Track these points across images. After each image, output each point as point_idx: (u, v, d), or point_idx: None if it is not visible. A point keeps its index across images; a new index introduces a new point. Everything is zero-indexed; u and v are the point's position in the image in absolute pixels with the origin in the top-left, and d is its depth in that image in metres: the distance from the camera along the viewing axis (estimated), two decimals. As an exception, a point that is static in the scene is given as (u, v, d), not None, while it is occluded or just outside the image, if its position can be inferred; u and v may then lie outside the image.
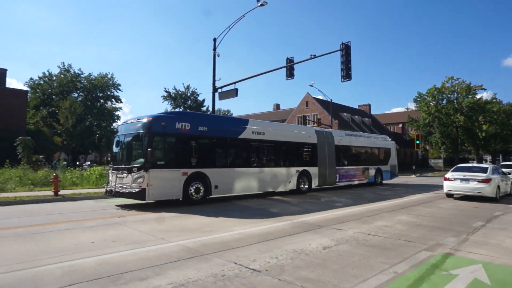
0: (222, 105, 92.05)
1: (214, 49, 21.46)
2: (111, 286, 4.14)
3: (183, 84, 75.60)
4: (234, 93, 20.88)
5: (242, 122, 14.30)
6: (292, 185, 15.36)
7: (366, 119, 59.96)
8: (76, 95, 51.59)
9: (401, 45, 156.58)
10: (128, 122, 11.95)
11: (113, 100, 55.53)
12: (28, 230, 7.43)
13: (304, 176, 15.95)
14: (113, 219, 8.91)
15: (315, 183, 16.50)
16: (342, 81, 18.90)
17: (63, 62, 61.52)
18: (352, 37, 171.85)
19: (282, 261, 5.23)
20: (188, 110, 18.46)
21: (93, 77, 52.83)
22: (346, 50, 18.89)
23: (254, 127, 14.22)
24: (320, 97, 53.91)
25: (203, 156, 11.93)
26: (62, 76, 51.30)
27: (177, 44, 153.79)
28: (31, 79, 50.84)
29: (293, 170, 15.50)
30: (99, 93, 53.31)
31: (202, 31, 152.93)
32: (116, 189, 10.93)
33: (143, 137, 10.67)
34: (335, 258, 5.44)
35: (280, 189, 15.05)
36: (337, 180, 17.89)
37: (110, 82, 54.15)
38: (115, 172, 11.34)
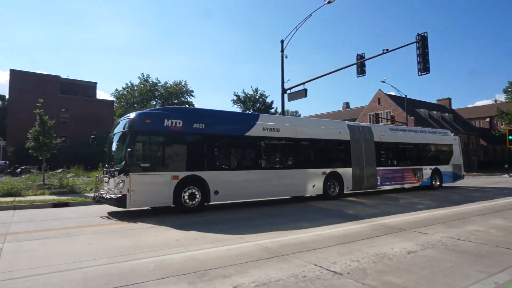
0: (291, 106, 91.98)
1: (282, 50, 21.58)
2: (198, 282, 4.37)
3: (251, 87, 77.26)
4: (303, 93, 20.78)
5: (250, 117, 12.96)
6: (316, 189, 13.22)
7: (446, 114, 55.39)
8: (154, 102, 55.68)
9: (485, 29, 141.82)
10: (120, 120, 11.06)
11: (186, 106, 58.81)
12: (122, 227, 8.21)
13: (333, 179, 13.72)
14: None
15: (348, 187, 14.18)
16: (419, 75, 17.77)
17: (143, 73, 66.83)
18: (428, 26, 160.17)
19: (364, 264, 5.06)
20: (185, 106, 15.87)
21: (169, 85, 56.58)
22: (422, 42, 17.71)
23: (266, 123, 12.35)
24: (393, 93, 51.19)
25: (200, 157, 10.63)
26: (142, 85, 55.81)
27: (244, 48, 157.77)
28: (116, 90, 56.16)
29: (318, 172, 13.33)
30: (174, 100, 56.86)
31: (267, 34, 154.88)
32: (101, 195, 10.12)
33: (125, 137, 9.71)
34: (422, 264, 5.10)
35: (300, 194, 13.09)
36: (379, 183, 15.39)
37: (184, 89, 57.45)
38: (103, 175, 10.67)
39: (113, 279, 4.46)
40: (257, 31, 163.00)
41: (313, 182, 13.12)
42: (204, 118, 10.88)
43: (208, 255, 5.60)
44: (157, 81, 56.93)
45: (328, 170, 13.59)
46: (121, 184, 9.33)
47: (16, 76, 40.45)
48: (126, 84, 56.05)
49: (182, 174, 10.05)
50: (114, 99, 53.67)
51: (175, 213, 10.03)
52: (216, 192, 10.58)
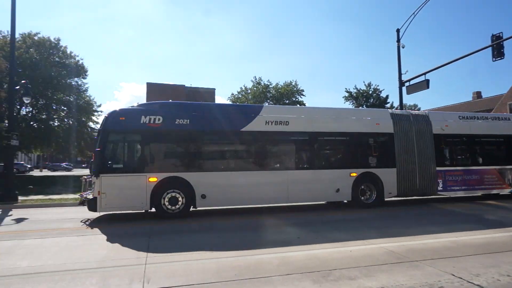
0: (408, 99, 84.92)
1: (398, 40, 20.08)
2: (323, 281, 4.36)
3: (363, 82, 73.90)
4: (424, 85, 18.92)
5: (250, 109, 11.08)
6: (342, 194, 10.89)
7: None
8: (266, 104, 57.96)
9: None
10: None
11: (298, 105, 59.58)
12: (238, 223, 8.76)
13: (368, 182, 11.22)
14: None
15: (390, 192, 11.42)
16: None
17: (255, 76, 70.21)
18: None
19: (517, 280, 4.33)
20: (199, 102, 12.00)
21: (280, 86, 58.12)
22: None
23: (271, 115, 10.49)
24: (541, 76, 42.59)
25: (183, 157, 9.74)
26: (255, 88, 58.61)
27: (353, 42, 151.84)
28: (232, 94, 60.16)
29: (345, 173, 10.94)
30: (285, 100, 58.14)
31: (378, 25, 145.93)
32: (85, 197, 9.42)
33: (98, 136, 9.30)
34: None
35: (317, 200, 11.11)
36: (440, 187, 11.98)
37: (295, 89, 58.28)
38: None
39: (242, 272, 4.76)
40: (366, 23, 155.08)
41: (337, 186, 10.80)
42: (189, 113, 9.75)
43: (330, 255, 5.55)
44: (268, 83, 59.05)
45: (360, 171, 11.09)
46: (93, 186, 8.97)
47: (152, 88, 46.82)
48: (241, 88, 59.60)
49: (161, 176, 9.13)
50: (230, 103, 57.73)
51: (168, 218, 9.06)
52: (203, 196, 9.41)
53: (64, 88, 31.34)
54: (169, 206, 9.26)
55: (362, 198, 11.13)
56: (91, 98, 34.42)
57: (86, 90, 34.54)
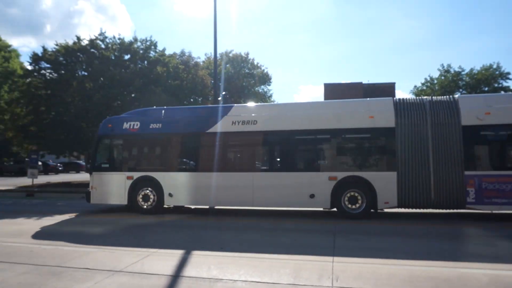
0: None
1: None
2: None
3: None
4: None
5: (217, 111, 10.47)
6: (319, 202, 9.30)
7: None
8: (458, 94, 50.41)
9: None
10: None
11: (502, 92, 49.48)
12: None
13: (356, 188, 9.12)
14: None
15: (387, 202, 8.90)
16: None
17: (442, 64, 61.93)
18: None
19: None
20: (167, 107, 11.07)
21: (475, 72, 49.50)
22: None
23: (238, 115, 10.04)
24: None
25: (154, 158, 11.02)
26: (442, 77, 51.83)
27: None
28: (415, 86, 54.97)
29: (321, 176, 9.34)
30: (484, 87, 49.11)
31: None
32: None
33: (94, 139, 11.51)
34: None
35: (286, 206, 9.93)
36: (471, 199, 8.48)
37: (497, 72, 48.56)
38: None
39: (441, 285, 4.25)
40: None
41: (311, 191, 9.31)
42: (162, 118, 10.55)
43: None
44: (460, 70, 51.18)
45: (341, 175, 9.23)
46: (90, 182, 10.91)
47: (329, 88, 47.78)
48: (425, 79, 53.81)
49: (136, 175, 10.38)
50: (414, 96, 52.83)
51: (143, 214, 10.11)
52: (170, 195, 10.19)
53: (253, 95, 35.65)
54: (142, 202, 10.43)
55: (351, 206, 9.22)
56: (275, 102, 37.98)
57: (271, 96, 38.31)
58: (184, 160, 10.80)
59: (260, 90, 38.10)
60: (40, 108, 20.78)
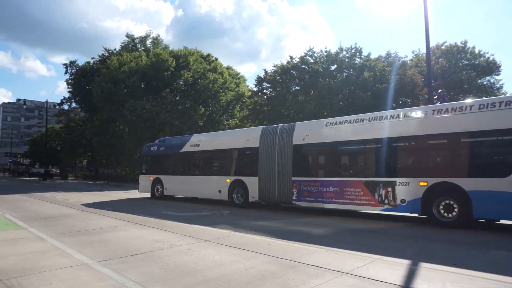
0: None
1: None
2: None
3: None
4: None
5: (184, 139, 17.67)
6: (223, 194, 14.64)
7: None
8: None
9: None
10: None
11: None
12: None
13: (239, 187, 14.12)
14: None
15: (253, 197, 13.54)
16: None
17: None
18: None
19: None
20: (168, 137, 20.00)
21: None
22: None
23: (193, 141, 16.80)
24: None
25: (161, 167, 18.41)
26: None
27: None
28: None
29: (223, 179, 14.71)
30: None
31: None
32: None
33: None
34: None
35: (210, 197, 15.84)
36: (294, 197, 12.16)
37: None
38: None
39: None
40: None
41: (219, 188, 14.76)
42: (165, 143, 18.76)
43: None
44: None
45: (232, 178, 14.30)
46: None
47: None
48: None
49: (154, 176, 18.38)
50: None
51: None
52: (165, 188, 17.76)
53: (476, 89, 30.48)
54: (156, 193, 18.17)
55: (239, 198, 14.17)
56: (508, 94, 31.14)
57: (500, 87, 31.75)
58: (172, 168, 17.85)
59: (485, 82, 32.08)
60: (264, 122, 24.36)
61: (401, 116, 10.00)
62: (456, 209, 8.73)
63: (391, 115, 10.23)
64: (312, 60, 25.06)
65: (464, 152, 8.89)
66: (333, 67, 24.73)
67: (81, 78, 44.75)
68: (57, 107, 57.13)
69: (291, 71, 25.05)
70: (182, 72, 34.38)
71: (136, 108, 30.85)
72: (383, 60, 25.26)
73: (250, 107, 27.16)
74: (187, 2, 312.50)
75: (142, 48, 44.87)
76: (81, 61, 56.57)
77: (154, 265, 5.66)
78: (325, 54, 24.98)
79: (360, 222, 10.12)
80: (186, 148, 16.79)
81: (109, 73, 34.45)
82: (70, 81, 46.58)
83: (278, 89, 25.25)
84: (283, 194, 12.43)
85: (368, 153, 10.93)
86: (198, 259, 5.99)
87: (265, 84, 26.03)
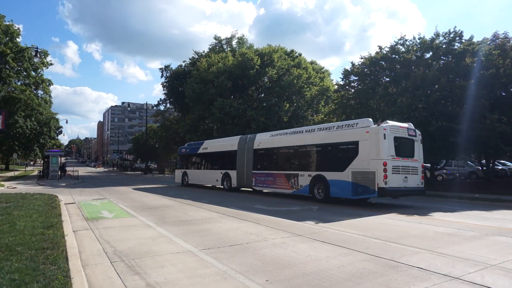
0: None
1: None
2: None
3: None
4: None
5: (200, 143, 24.45)
6: (219, 183, 21.41)
7: None
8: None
9: None
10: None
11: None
12: None
13: (227, 177, 20.63)
14: None
15: (234, 184, 20.08)
16: None
17: None
18: None
19: None
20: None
21: None
22: None
23: (205, 145, 23.64)
24: None
25: (188, 163, 25.36)
26: None
27: None
28: None
29: (218, 172, 21.54)
30: None
31: None
32: None
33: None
34: None
35: (209, 184, 23.39)
36: (253, 184, 18.57)
37: None
38: None
39: None
40: None
41: (216, 177, 21.69)
42: (190, 146, 25.56)
43: None
44: None
45: (223, 171, 20.94)
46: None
47: None
48: None
49: (183, 170, 25.34)
50: None
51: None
52: (188, 178, 24.80)
53: None
54: (182, 182, 25.28)
55: (226, 185, 20.76)
56: None
57: None
58: (193, 164, 24.56)
59: None
60: (352, 116, 23.50)
61: (303, 132, 16.32)
62: (324, 191, 14.10)
63: (298, 131, 16.75)
64: (403, 49, 23.31)
65: (325, 155, 14.63)
66: (427, 55, 22.69)
67: (175, 80, 48.37)
68: (154, 108, 62.83)
69: (381, 62, 23.65)
70: (267, 69, 34.96)
71: (224, 106, 32.31)
72: (489, 43, 22.36)
73: (336, 101, 26.43)
74: (269, 0, 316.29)
75: (229, 48, 46.80)
76: (174, 65, 60.93)
77: (251, 256, 5.90)
78: (418, 41, 23.04)
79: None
80: (200, 151, 23.93)
81: (199, 74, 36.66)
82: (165, 84, 50.72)
83: (366, 81, 24.10)
84: (249, 181, 18.91)
85: (286, 155, 17.07)
86: (293, 253, 6.07)
87: (352, 77, 25.10)
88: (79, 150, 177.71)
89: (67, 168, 41.64)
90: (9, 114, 34.42)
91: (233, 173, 20.00)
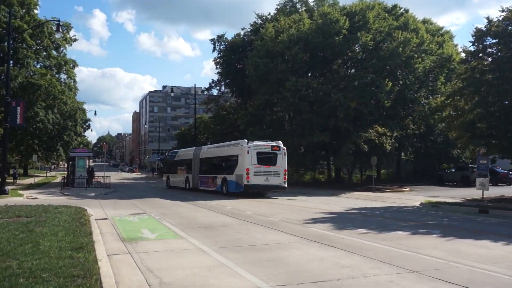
0: None
1: None
2: None
3: None
4: None
5: (199, 149, 36.86)
6: (187, 184, 36.48)
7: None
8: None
9: None
10: None
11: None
12: None
13: (188, 180, 37.10)
14: None
15: (189, 185, 36.42)
16: None
17: None
18: None
19: None
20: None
21: None
22: None
23: (205, 150, 35.48)
24: None
25: (171, 169, 43.81)
26: None
27: None
28: None
29: (184, 175, 38.98)
30: None
31: None
32: None
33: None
34: None
35: (179, 185, 38.72)
36: (199, 184, 34.09)
37: None
38: None
39: None
40: None
41: (183, 180, 38.07)
42: (170, 154, 48.72)
43: None
44: None
45: (186, 175, 37.01)
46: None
47: None
48: None
49: (166, 175, 45.23)
50: None
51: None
52: (172, 181, 41.89)
53: None
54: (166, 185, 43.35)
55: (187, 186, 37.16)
56: None
57: None
58: (172, 169, 42.88)
59: None
60: (489, 97, 22.01)
61: (220, 146, 33.68)
62: (226, 188, 29.28)
63: (220, 146, 33.86)
64: None
65: (225, 163, 30.69)
66: None
67: (231, 55, 49.35)
68: (205, 92, 64.74)
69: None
70: (358, 34, 34.25)
71: (299, 87, 32.34)
72: None
73: (464, 76, 24.89)
74: None
75: (304, 8, 46.62)
76: (230, 35, 62.47)
77: None
78: None
79: None
80: (176, 158, 41.24)
81: (264, 45, 37.09)
82: (218, 60, 52.07)
83: (511, 45, 22.37)
84: (197, 183, 34.09)
85: (212, 163, 33.39)
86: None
87: (489, 40, 23.41)
88: (110, 150, 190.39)
89: (96, 174, 44.67)
90: (28, 105, 35.80)
91: (190, 177, 36.00)
